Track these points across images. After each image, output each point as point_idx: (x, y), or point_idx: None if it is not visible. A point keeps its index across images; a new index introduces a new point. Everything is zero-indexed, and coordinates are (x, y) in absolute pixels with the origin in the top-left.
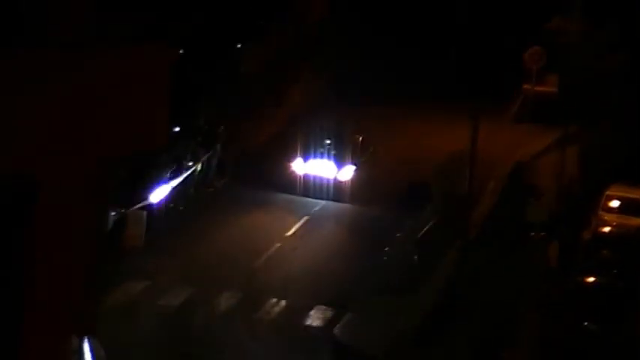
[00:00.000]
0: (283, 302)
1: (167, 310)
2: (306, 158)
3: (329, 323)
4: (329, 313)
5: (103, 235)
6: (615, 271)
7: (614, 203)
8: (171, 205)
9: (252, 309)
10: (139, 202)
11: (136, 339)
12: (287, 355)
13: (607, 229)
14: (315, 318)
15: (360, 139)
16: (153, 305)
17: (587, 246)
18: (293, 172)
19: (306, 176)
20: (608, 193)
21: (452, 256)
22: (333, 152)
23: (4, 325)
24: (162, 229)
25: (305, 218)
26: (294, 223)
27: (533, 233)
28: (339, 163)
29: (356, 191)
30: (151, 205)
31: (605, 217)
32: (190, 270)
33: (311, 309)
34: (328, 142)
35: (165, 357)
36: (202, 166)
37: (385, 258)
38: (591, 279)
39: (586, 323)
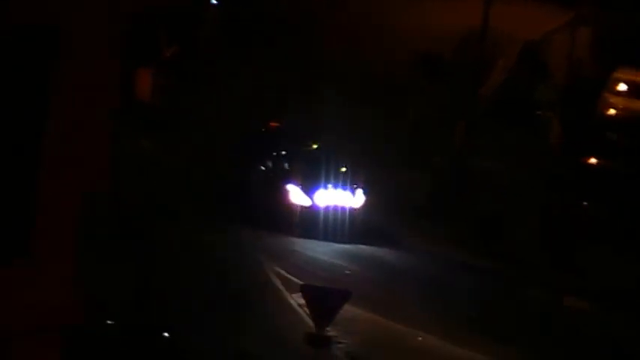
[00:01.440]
0: None
1: None
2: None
3: None
4: None
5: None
6: (619, 154)
7: (622, 86)
8: None
9: None
10: None
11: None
12: None
13: (612, 111)
14: None
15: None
16: None
17: (592, 127)
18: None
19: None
20: (615, 75)
21: (460, 128)
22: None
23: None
24: None
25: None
26: None
27: (540, 112)
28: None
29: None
30: None
31: (612, 100)
32: None
33: None
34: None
35: None
36: None
37: None
38: (594, 160)
39: (585, 203)
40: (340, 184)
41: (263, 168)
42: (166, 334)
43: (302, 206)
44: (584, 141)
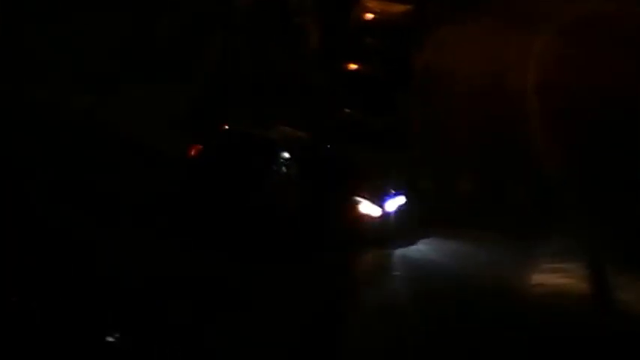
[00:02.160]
0: None
1: None
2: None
3: None
4: None
5: None
6: (378, 59)
7: None
8: None
9: None
10: None
11: None
12: None
13: (370, 15)
14: None
15: None
16: None
17: (350, 32)
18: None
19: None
20: None
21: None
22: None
23: None
24: None
25: None
26: None
27: (297, 19)
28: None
29: None
30: None
31: (368, 4)
32: None
33: None
34: None
35: None
36: None
37: None
38: (354, 66)
39: (348, 110)
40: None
41: None
42: None
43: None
44: (343, 47)
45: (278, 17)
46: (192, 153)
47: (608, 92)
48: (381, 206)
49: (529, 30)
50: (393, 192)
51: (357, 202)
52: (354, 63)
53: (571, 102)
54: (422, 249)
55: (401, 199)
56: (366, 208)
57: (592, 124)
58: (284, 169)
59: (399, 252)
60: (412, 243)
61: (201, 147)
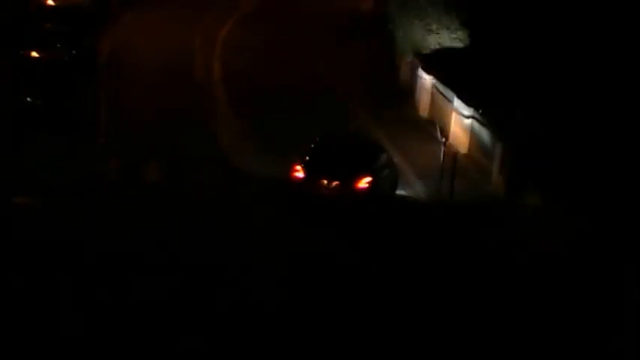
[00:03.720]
0: None
1: None
2: None
3: None
4: None
5: None
6: (59, 45)
7: None
8: None
9: None
10: None
11: None
12: None
13: (51, 2)
14: None
15: None
16: None
17: (30, 19)
18: None
19: None
20: None
21: None
22: None
23: None
24: None
25: None
26: None
27: None
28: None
29: None
30: None
31: None
32: None
33: None
34: None
35: None
36: None
37: None
38: (35, 53)
39: (29, 99)
40: None
41: None
42: None
43: None
44: (24, 33)
45: None
46: None
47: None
48: None
49: (215, 16)
50: None
51: None
52: (35, 50)
53: (252, 88)
54: None
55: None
56: None
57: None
58: None
59: None
60: None
61: None
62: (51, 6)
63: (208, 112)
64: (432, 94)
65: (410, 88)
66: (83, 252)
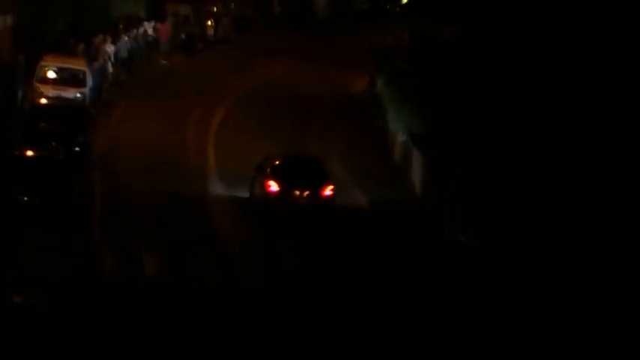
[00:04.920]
0: None
1: None
2: None
3: None
4: None
5: None
6: (54, 143)
7: (50, 74)
8: None
9: None
10: None
11: None
12: None
13: (43, 100)
14: None
15: None
16: None
17: (24, 119)
18: None
19: None
20: (42, 63)
21: None
22: None
23: None
24: None
25: None
26: None
27: None
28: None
29: None
30: None
31: (41, 89)
32: None
33: None
34: None
35: None
36: None
37: None
38: (30, 152)
39: (25, 198)
40: None
41: None
42: None
43: None
44: (17, 132)
45: None
46: None
47: None
48: None
49: (202, 105)
50: None
51: None
52: (30, 149)
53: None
54: None
55: None
56: None
57: None
58: None
59: None
60: None
61: None
62: (44, 104)
63: (206, 205)
64: None
65: None
66: (84, 350)
